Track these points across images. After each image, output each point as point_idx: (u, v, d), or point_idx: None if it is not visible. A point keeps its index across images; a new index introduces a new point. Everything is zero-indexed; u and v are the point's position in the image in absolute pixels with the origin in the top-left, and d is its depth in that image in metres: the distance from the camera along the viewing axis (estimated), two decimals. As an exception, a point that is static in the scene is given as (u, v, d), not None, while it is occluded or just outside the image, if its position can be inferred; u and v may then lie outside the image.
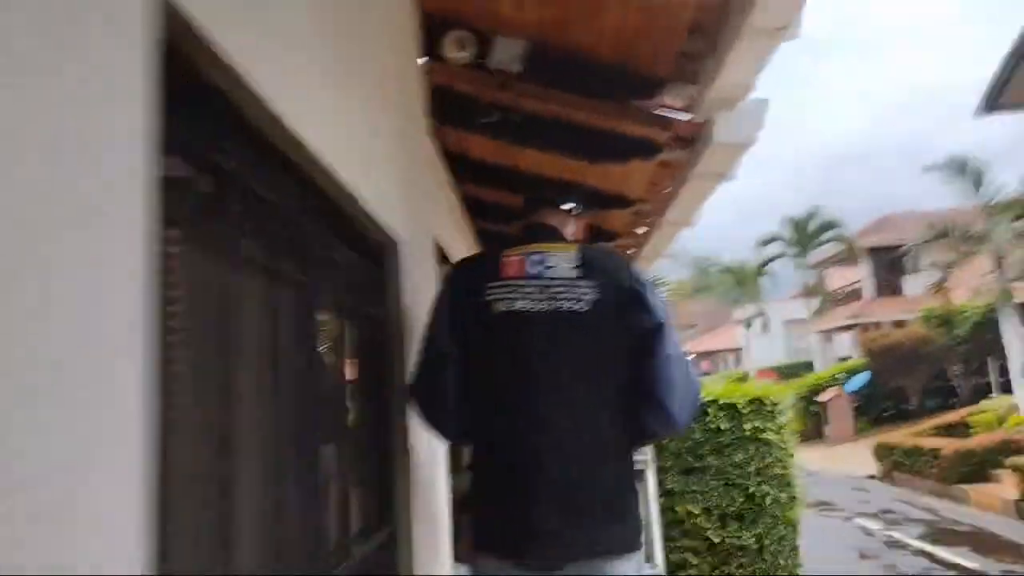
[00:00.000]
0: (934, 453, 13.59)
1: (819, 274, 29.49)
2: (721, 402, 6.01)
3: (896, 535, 10.41)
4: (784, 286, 32.41)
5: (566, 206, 2.16)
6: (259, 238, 1.33)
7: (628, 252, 4.78)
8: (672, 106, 2.97)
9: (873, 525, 11.16)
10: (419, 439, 2.20)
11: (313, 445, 1.54)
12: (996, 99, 16.51)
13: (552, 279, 1.92)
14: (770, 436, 6.14)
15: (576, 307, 1.88)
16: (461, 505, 2.73)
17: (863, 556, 9.38)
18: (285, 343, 1.51)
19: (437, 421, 2.00)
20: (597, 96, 2.89)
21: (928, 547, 9.64)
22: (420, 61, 2.88)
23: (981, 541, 9.89)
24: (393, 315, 2.15)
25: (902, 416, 21.04)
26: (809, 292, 28.43)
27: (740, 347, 36.61)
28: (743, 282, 30.25)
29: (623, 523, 1.86)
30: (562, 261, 1.95)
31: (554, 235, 2.07)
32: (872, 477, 15.72)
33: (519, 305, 1.90)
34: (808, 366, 27.99)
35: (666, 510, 5.90)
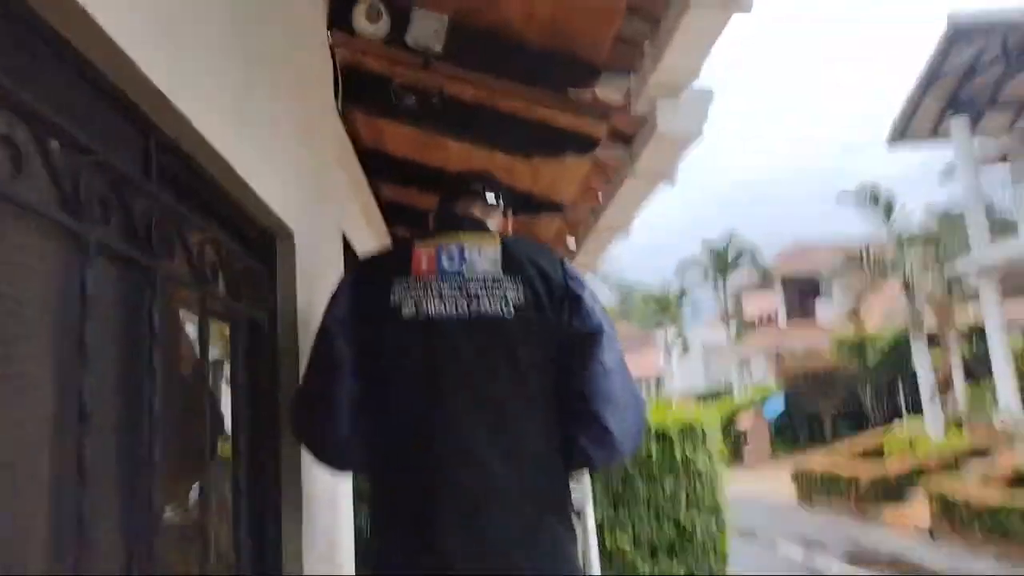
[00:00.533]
0: (851, 480, 13.78)
1: (736, 300, 30.13)
2: (652, 429, 5.75)
3: (820, 562, 10.39)
4: (703, 311, 33.02)
5: (491, 198, 1.82)
6: (88, 209, 0.95)
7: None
8: (609, 100, 2.68)
9: (796, 553, 11.13)
10: (316, 470, 1.79)
11: (149, 481, 1.12)
12: (903, 130, 17.29)
13: (471, 277, 1.57)
14: (700, 463, 5.91)
15: (499, 310, 1.54)
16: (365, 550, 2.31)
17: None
18: (119, 348, 1.10)
19: (322, 442, 1.61)
20: (528, 82, 2.57)
21: (851, 570, 9.64)
22: (326, 34, 2.49)
23: (900, 565, 9.96)
24: (284, 317, 1.74)
25: (817, 440, 21.46)
26: (727, 318, 28.97)
27: (661, 372, 37.03)
28: (665, 307, 30.62)
29: (554, 562, 1.51)
30: (483, 255, 1.60)
31: (476, 226, 1.72)
32: (791, 503, 15.86)
33: (430, 308, 1.54)
34: (727, 393, 28.44)
35: (598, 544, 5.56)
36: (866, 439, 17.98)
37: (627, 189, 2.89)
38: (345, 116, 2.71)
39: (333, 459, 1.65)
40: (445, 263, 1.59)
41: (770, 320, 30.48)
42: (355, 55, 2.48)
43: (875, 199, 16.84)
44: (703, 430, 6.06)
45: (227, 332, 1.61)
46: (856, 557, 10.60)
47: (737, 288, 29.76)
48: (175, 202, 1.26)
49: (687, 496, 5.82)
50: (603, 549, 5.56)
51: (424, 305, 1.54)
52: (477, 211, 1.78)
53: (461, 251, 1.60)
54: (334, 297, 1.64)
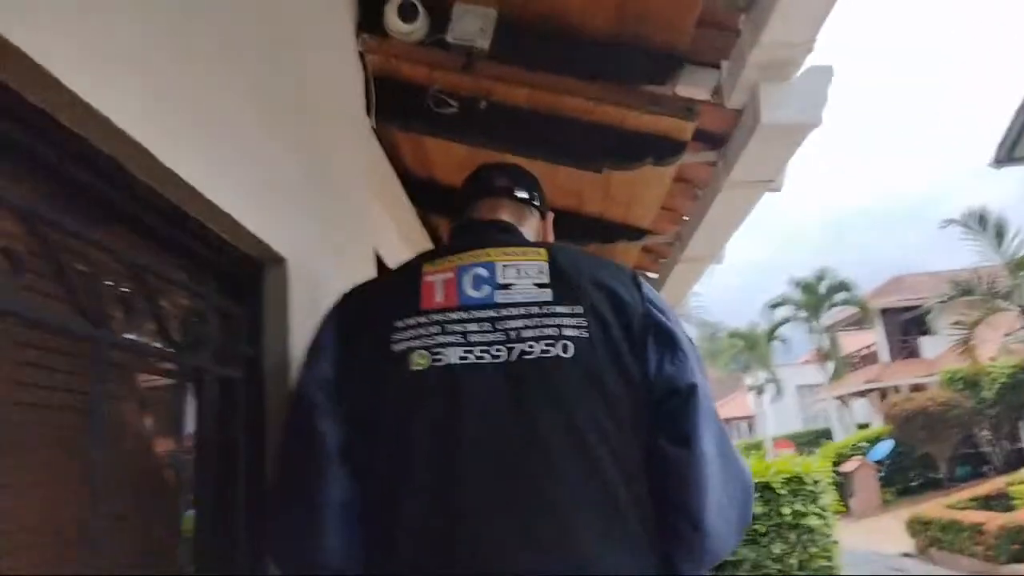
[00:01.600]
0: (977, 528, 12.42)
1: (832, 337, 28.53)
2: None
3: (949, 626, 9.23)
4: (796, 351, 31.44)
5: (521, 193, 1.36)
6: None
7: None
8: (692, 98, 2.21)
9: (920, 614, 9.97)
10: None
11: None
12: (1011, 151, 16.02)
13: (508, 305, 1.11)
14: (813, 521, 5.21)
15: (553, 352, 1.07)
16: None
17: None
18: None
19: (303, 553, 1.14)
20: (593, 79, 2.13)
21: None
22: (356, 40, 2.13)
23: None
24: (272, 367, 1.32)
25: (931, 486, 19.76)
26: (822, 356, 27.40)
27: (753, 415, 35.37)
28: (753, 347, 29.30)
29: None
30: (524, 275, 1.14)
31: (507, 232, 1.27)
32: (907, 555, 14.47)
33: (451, 356, 1.08)
34: (826, 434, 26.76)
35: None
36: (989, 484, 16.35)
37: (721, 203, 2.40)
38: (381, 132, 2.34)
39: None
40: (469, 290, 1.13)
41: (870, 357, 28.66)
42: (389, 60, 2.10)
43: (983, 223, 15.55)
44: (814, 482, 5.37)
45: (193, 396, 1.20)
46: (993, 622, 9.38)
47: (833, 325, 28.19)
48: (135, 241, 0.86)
49: (799, 561, 5.12)
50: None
51: (442, 351, 1.09)
52: (506, 214, 1.33)
53: (491, 272, 1.15)
54: (312, 346, 1.20)
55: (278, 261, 1.36)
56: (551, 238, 1.45)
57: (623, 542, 1.05)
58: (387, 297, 1.19)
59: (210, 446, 1.19)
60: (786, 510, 5.15)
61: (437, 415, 1.07)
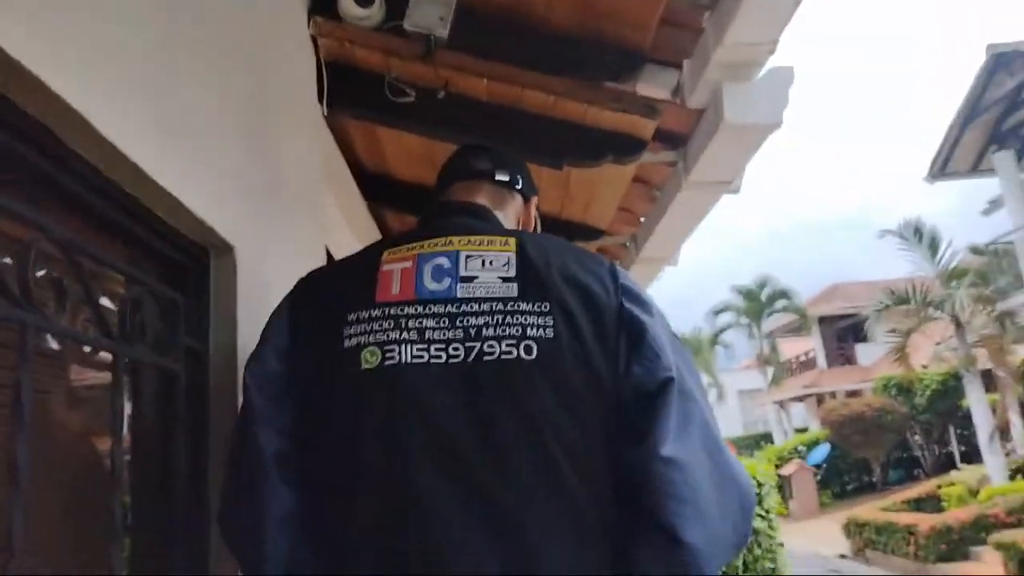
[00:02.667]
0: (909, 529, 12.82)
1: (772, 343, 29.19)
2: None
3: (883, 625, 9.47)
4: (738, 356, 32.07)
5: (502, 176, 1.30)
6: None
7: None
8: (654, 97, 2.19)
9: (856, 614, 10.22)
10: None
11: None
12: (944, 166, 16.65)
13: (470, 300, 1.05)
14: (757, 523, 5.27)
15: (514, 354, 1.01)
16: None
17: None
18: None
19: (247, 562, 1.07)
20: (555, 73, 2.09)
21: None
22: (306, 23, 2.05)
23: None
24: (219, 357, 1.24)
25: (866, 489, 20.35)
26: (763, 362, 28.01)
27: (696, 419, 35.89)
28: (697, 352, 29.75)
29: None
30: (490, 267, 1.08)
31: (479, 218, 1.21)
32: (843, 556, 14.84)
33: (404, 354, 1.02)
34: (766, 437, 27.32)
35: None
36: (920, 487, 16.91)
37: (679, 204, 2.39)
38: (333, 121, 2.26)
39: None
40: (429, 283, 1.06)
41: (808, 363, 29.41)
42: (342, 46, 2.02)
43: (919, 235, 16.06)
44: (758, 484, 5.44)
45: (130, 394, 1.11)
46: (924, 621, 9.67)
47: (773, 332, 28.84)
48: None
49: (744, 563, 5.18)
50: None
51: (395, 349, 1.02)
52: (484, 198, 1.26)
53: (454, 263, 1.08)
54: (262, 337, 1.12)
55: (226, 249, 1.28)
56: (533, 224, 1.38)
57: (586, 563, 0.99)
58: (343, 286, 1.12)
59: (149, 442, 1.11)
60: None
61: (385, 418, 0.99)
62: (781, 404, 28.14)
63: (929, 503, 15.12)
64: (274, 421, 1.04)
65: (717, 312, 28.91)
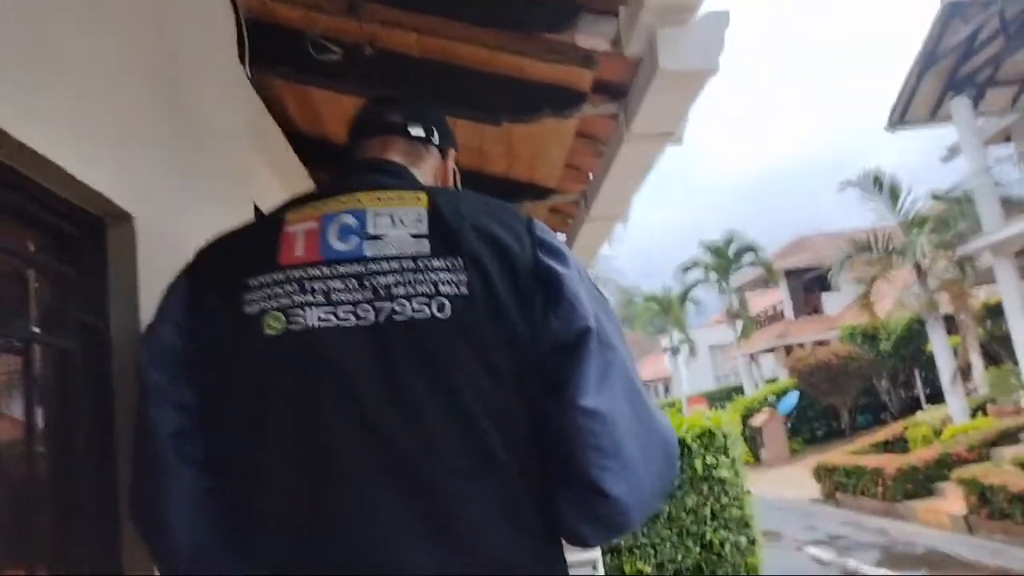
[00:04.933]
0: (876, 471, 13.17)
1: (741, 298, 29.53)
2: (667, 439, 5.17)
3: (851, 565, 9.75)
4: (707, 312, 32.39)
5: (416, 130, 1.23)
6: None
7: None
8: (594, 47, 2.12)
9: (825, 554, 10.50)
10: None
11: None
12: (902, 115, 16.76)
13: (378, 260, 0.99)
14: (724, 473, 5.34)
15: (427, 312, 0.96)
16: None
17: (822, 593, 8.66)
18: None
19: (158, 559, 1.04)
20: (486, 25, 2.02)
21: (889, 572, 9.01)
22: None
23: (938, 562, 9.33)
24: (117, 345, 1.18)
25: (835, 434, 20.83)
26: (732, 316, 28.34)
27: (668, 376, 36.40)
28: (667, 310, 30.01)
29: None
30: (400, 224, 1.03)
31: (390, 175, 1.15)
32: (815, 500, 15.23)
33: (310, 318, 0.96)
34: (737, 390, 27.77)
35: (613, 570, 4.97)
36: (887, 430, 17.33)
37: (623, 158, 2.34)
38: (260, 82, 2.16)
39: (166, 568, 1.08)
40: (335, 243, 1.01)
41: (776, 315, 29.85)
42: (263, 3, 1.93)
43: (879, 185, 16.23)
44: (724, 435, 5.50)
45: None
46: (891, 555, 9.97)
47: (742, 286, 29.14)
48: None
49: (711, 511, 5.26)
50: (622, 578, 4.98)
51: (300, 313, 0.97)
52: (396, 154, 1.20)
53: (361, 221, 1.03)
54: (156, 312, 1.06)
55: (123, 218, 1.21)
56: (452, 180, 1.31)
57: (511, 521, 0.97)
58: (242, 251, 1.06)
59: (49, 427, 1.05)
60: (698, 463, 5.26)
61: (293, 387, 0.95)
62: (751, 357, 28.59)
63: (896, 445, 15.51)
64: (172, 397, 0.99)
65: (686, 269, 29.09)
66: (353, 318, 0.96)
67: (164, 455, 0.98)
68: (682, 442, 5.29)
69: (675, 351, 31.60)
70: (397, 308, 0.96)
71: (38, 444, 1.06)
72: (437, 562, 0.92)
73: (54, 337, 1.07)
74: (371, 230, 1.02)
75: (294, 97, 2.39)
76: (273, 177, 2.21)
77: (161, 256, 1.25)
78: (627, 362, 1.05)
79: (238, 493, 0.98)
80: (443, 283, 0.98)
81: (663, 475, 1.04)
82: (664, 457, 1.05)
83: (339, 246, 1.01)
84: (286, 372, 0.95)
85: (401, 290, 0.97)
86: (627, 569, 5.01)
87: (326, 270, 0.99)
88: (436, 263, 0.99)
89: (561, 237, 3.69)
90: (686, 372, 32.07)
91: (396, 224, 1.03)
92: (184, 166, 1.50)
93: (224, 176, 1.70)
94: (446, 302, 0.97)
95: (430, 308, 0.96)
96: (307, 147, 2.69)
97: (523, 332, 0.98)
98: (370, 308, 0.96)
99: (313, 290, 0.97)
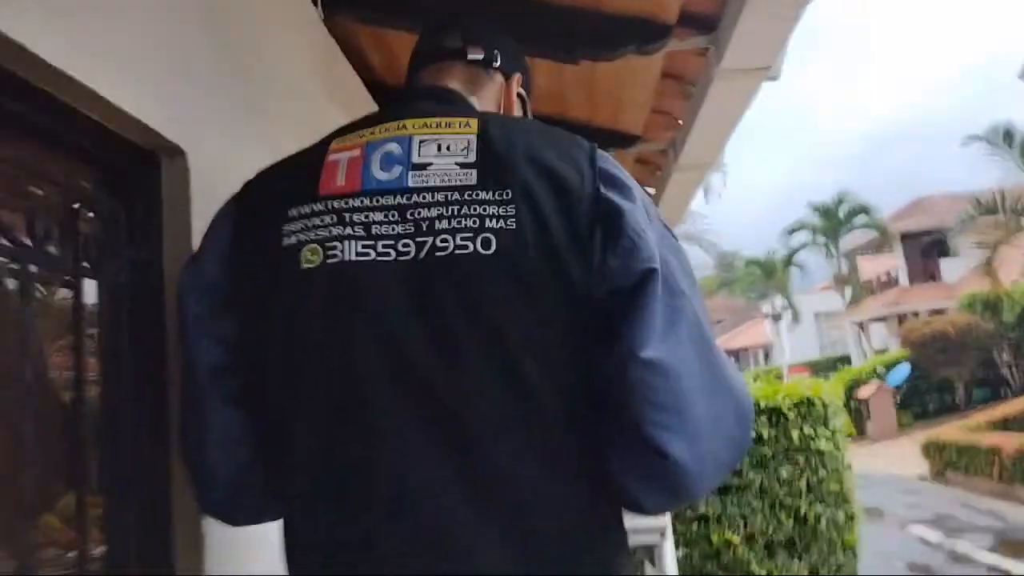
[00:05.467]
0: (993, 450, 12.36)
1: (851, 263, 28.14)
2: (762, 405, 4.96)
3: (961, 547, 9.21)
4: (814, 277, 31.10)
5: (476, 53, 1.13)
6: None
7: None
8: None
9: (932, 535, 9.96)
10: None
11: None
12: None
13: (422, 190, 0.91)
14: (822, 445, 5.09)
15: (470, 248, 0.87)
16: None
17: (927, 574, 8.23)
18: None
19: (197, 489, 1.02)
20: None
21: (1002, 561, 8.45)
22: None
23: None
24: (169, 279, 1.16)
25: (948, 410, 19.70)
26: (841, 282, 27.08)
27: (769, 343, 35.30)
28: (770, 274, 29.00)
29: None
30: (446, 151, 0.93)
31: (442, 101, 1.05)
32: (923, 478, 14.49)
33: (347, 251, 0.89)
34: (844, 360, 26.66)
35: (699, 539, 4.85)
36: (1007, 406, 16.23)
37: (714, 98, 2.16)
38: (335, 26, 2.11)
39: (216, 512, 1.05)
40: (377, 172, 0.93)
41: (890, 282, 28.29)
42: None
43: (1009, 139, 14.97)
44: (824, 405, 5.23)
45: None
46: (1007, 541, 9.35)
47: (851, 250, 27.75)
48: None
49: (807, 484, 5.03)
50: (709, 547, 4.85)
51: (337, 246, 0.90)
52: (454, 81, 1.10)
53: (406, 149, 0.94)
54: (201, 244, 1.02)
55: (176, 153, 1.18)
56: (517, 107, 1.20)
57: (560, 481, 0.88)
58: (287, 181, 1.00)
59: (101, 361, 1.04)
60: (795, 433, 5.03)
61: (326, 324, 0.89)
62: (860, 325, 27.31)
63: (1017, 423, 14.52)
64: (212, 331, 0.95)
65: (791, 231, 27.93)
66: (393, 253, 0.89)
67: (201, 390, 0.95)
68: (778, 411, 5.06)
69: (777, 318, 30.61)
70: (439, 243, 0.88)
71: (89, 378, 1.05)
72: (485, 530, 0.84)
73: (105, 272, 1.06)
74: (416, 159, 0.93)
75: (371, 41, 2.34)
76: (344, 111, 2.16)
77: (216, 193, 1.21)
78: (698, 313, 0.93)
79: (273, 436, 0.94)
80: (490, 217, 0.88)
81: (734, 439, 0.93)
82: (736, 420, 0.93)
83: (381, 176, 0.93)
84: (321, 308, 0.89)
85: (444, 224, 0.89)
86: (714, 539, 4.88)
87: (367, 201, 0.91)
88: (483, 195, 0.90)
89: (650, 191, 3.53)
90: (789, 340, 31.05)
91: (442, 152, 0.94)
92: (244, 105, 1.46)
93: (289, 118, 1.66)
94: (492, 237, 0.87)
95: (474, 244, 0.87)
96: (387, 96, 2.63)
97: (578, 273, 0.88)
98: (411, 243, 0.89)
99: (352, 222, 0.90)
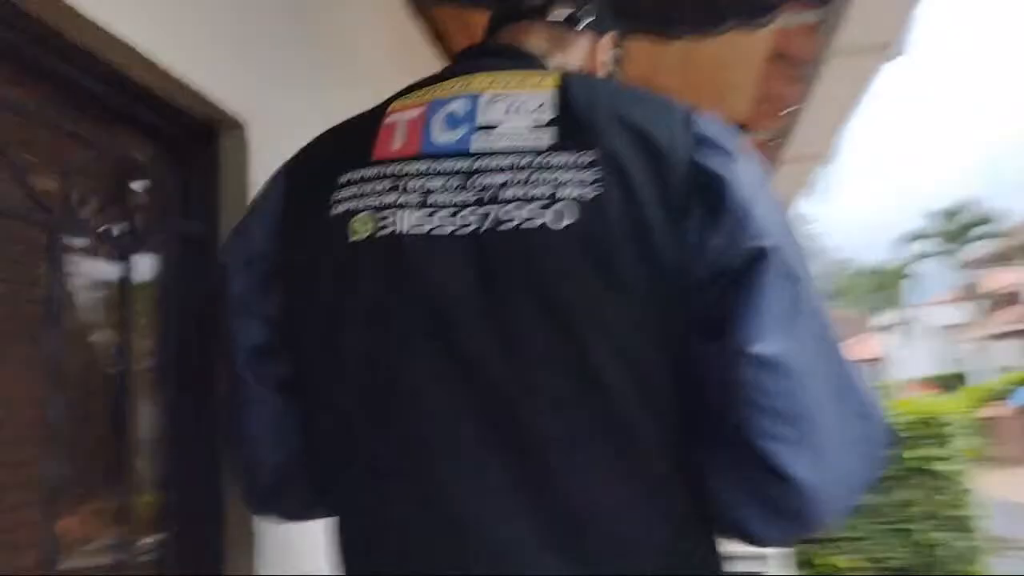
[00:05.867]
0: None
1: (973, 275, 26.34)
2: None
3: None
4: (931, 289, 29.28)
5: (559, 12, 0.99)
6: None
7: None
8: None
9: (1069, 571, 9.10)
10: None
11: None
12: None
13: (486, 155, 0.78)
14: (942, 467, 4.69)
15: (541, 220, 0.74)
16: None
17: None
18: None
19: (238, 482, 0.93)
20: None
21: None
22: None
23: None
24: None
25: (1086, 434, 18.10)
26: (961, 295, 25.38)
27: (881, 357, 33.51)
28: (883, 285, 27.53)
29: None
30: (517, 111, 0.80)
31: (517, 59, 0.92)
32: (1056, 508, 13.32)
33: (403, 221, 0.77)
34: (963, 377, 24.95)
35: (802, 564, 4.54)
36: None
37: (828, 80, 1.96)
38: (420, 8, 2.04)
39: (259, 508, 0.96)
40: (439, 134, 0.81)
41: (1014, 296, 26.31)
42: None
43: None
44: (944, 425, 4.82)
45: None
46: None
47: (973, 262, 25.99)
48: None
49: (925, 509, 4.65)
50: (813, 572, 4.53)
51: (390, 216, 0.79)
52: (535, 41, 0.97)
53: (472, 108, 0.83)
54: (250, 208, 0.93)
55: (235, 126, 1.13)
56: (608, 68, 1.06)
57: (643, 502, 0.74)
58: (341, 145, 0.90)
59: (165, 332, 0.99)
60: (911, 454, 4.66)
61: (373, 304, 0.78)
62: (983, 341, 25.50)
63: None
64: (256, 308, 0.86)
65: (908, 241, 26.43)
66: (450, 225, 0.77)
67: (242, 372, 0.86)
68: (895, 430, 4.71)
69: (890, 331, 28.98)
70: (503, 215, 0.75)
71: (137, 352, 1.00)
72: (543, 546, 0.72)
73: (160, 246, 1.01)
74: (481, 119, 0.81)
75: (456, 23, 2.26)
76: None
77: (277, 164, 1.16)
78: (819, 301, 0.76)
79: (317, 428, 0.84)
80: (565, 184, 0.75)
81: (869, 455, 0.75)
82: (870, 432, 0.75)
83: (443, 138, 0.81)
84: (369, 288, 0.78)
85: (510, 192, 0.76)
86: (820, 563, 4.56)
87: (425, 166, 0.80)
88: (558, 159, 0.76)
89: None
90: (903, 355, 29.36)
91: (513, 112, 0.81)
92: (314, 78, 1.40)
93: (362, 95, 1.59)
94: (566, 209, 0.74)
95: (544, 215, 0.74)
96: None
97: (672, 253, 0.72)
98: (472, 214, 0.77)
99: (408, 189, 0.79)
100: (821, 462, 0.69)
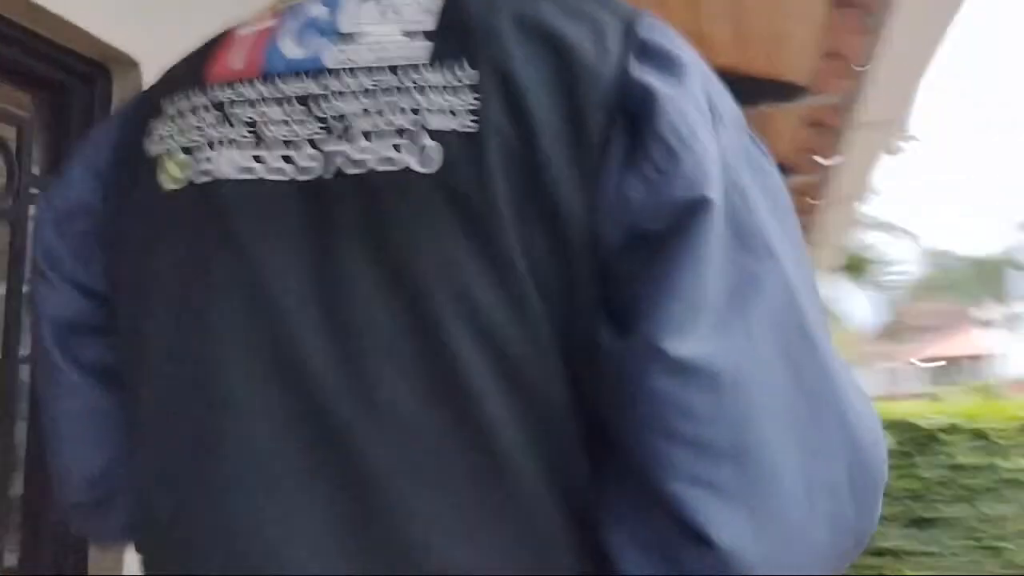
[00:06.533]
0: None
1: (1092, 267, 24.53)
2: (964, 427, 4.20)
3: None
4: (1042, 282, 27.49)
5: None
6: None
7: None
8: None
9: None
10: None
11: None
12: None
13: (343, 72, 0.56)
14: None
15: (400, 162, 0.51)
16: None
17: None
18: None
19: (55, 483, 0.76)
20: None
21: None
22: None
23: None
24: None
25: None
26: (1078, 289, 23.63)
27: (984, 355, 31.69)
28: (988, 276, 25.99)
29: None
30: (390, 16, 0.57)
31: None
32: None
33: (224, 164, 0.56)
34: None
35: (863, 572, 4.19)
36: None
37: (900, 30, 1.65)
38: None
39: (78, 526, 0.80)
40: (288, 48, 0.59)
41: None
42: None
43: None
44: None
45: None
46: None
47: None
48: None
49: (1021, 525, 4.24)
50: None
51: (211, 157, 0.58)
52: None
53: (334, 13, 0.61)
54: (76, 151, 0.75)
55: (128, 64, 0.96)
56: None
57: (525, 566, 0.51)
58: (178, 68, 0.71)
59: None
60: (1009, 464, 4.24)
61: (181, 277, 0.58)
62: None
63: None
64: (71, 273, 0.68)
65: (1019, 227, 24.77)
66: (289, 169, 0.56)
67: (50, 352, 0.68)
68: (984, 435, 4.26)
69: (994, 326, 27.46)
70: (354, 154, 0.53)
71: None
72: None
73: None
74: (343, 25, 0.60)
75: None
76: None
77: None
78: (794, 288, 0.50)
79: (129, 421, 0.66)
80: (436, 112, 0.52)
81: (847, 509, 0.50)
82: (852, 474, 0.50)
83: (293, 53, 0.60)
84: (176, 252, 0.59)
85: (366, 123, 0.54)
86: (887, 574, 4.20)
87: (262, 89, 0.59)
88: (432, 77, 0.54)
89: (825, 163, 2.93)
90: (1010, 351, 27.78)
91: (386, 16, 0.59)
92: (214, 9, 1.24)
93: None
94: (435, 146, 0.51)
95: (407, 155, 0.52)
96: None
97: (575, 204, 0.49)
98: (315, 152, 0.55)
99: (239, 121, 0.59)
100: (767, 523, 0.45)
